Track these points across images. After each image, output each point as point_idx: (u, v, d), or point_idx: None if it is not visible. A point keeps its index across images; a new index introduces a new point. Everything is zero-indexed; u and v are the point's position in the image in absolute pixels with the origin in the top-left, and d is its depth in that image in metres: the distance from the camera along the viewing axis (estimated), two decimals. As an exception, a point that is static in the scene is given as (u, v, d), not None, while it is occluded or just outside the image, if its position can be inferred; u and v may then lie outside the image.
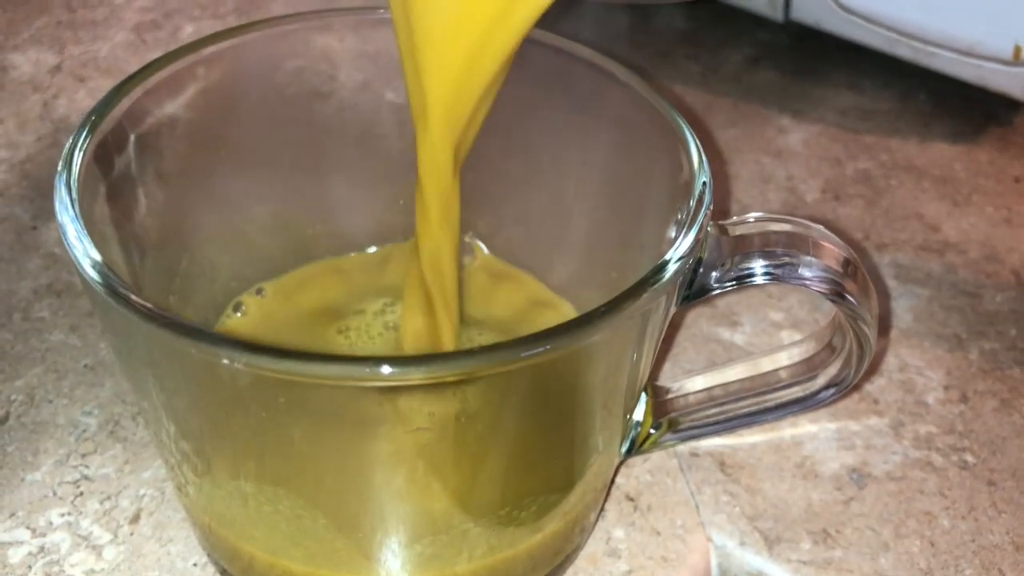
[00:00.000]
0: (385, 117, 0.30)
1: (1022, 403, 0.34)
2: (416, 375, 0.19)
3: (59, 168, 0.22)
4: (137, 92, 0.25)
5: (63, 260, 0.37)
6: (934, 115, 0.47)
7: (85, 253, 0.20)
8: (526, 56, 0.24)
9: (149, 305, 0.19)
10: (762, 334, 0.36)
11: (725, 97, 0.47)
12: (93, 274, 0.20)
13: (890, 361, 0.35)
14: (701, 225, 0.23)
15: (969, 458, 0.32)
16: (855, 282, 0.24)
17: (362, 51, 0.29)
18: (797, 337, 0.35)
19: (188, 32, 0.49)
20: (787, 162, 0.44)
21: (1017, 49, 0.40)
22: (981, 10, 0.41)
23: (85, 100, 0.44)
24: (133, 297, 0.19)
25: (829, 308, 0.37)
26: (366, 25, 0.29)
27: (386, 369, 0.19)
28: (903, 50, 0.43)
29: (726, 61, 0.50)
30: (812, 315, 0.37)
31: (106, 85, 0.45)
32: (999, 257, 0.40)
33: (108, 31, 0.49)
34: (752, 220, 0.24)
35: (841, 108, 0.47)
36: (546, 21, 0.24)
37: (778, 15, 0.46)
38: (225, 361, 0.18)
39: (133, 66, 0.41)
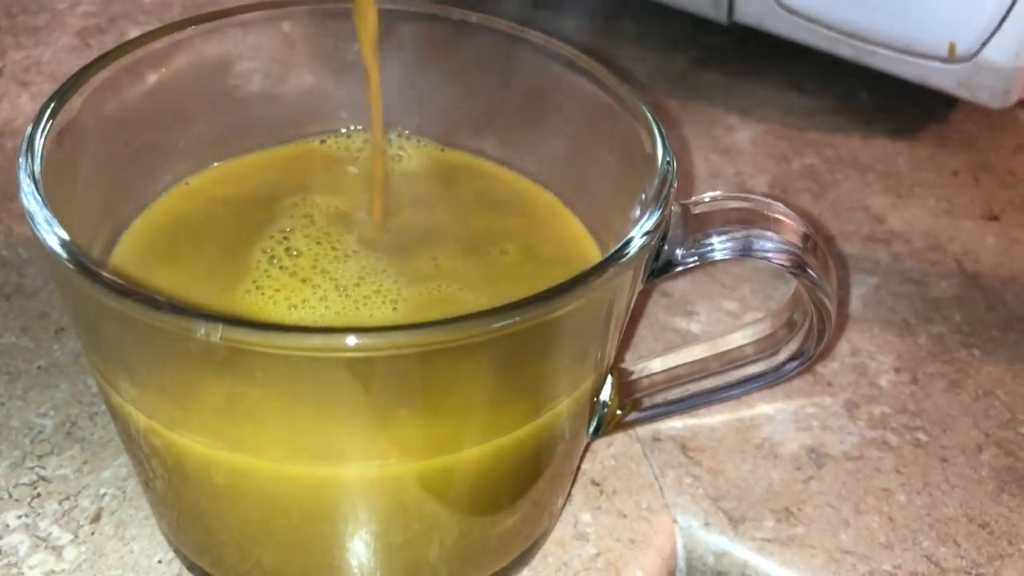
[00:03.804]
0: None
1: (969, 383, 0.35)
2: (380, 345, 0.19)
3: (21, 155, 0.22)
4: (95, 81, 0.25)
5: (12, 263, 0.36)
6: (875, 112, 0.48)
7: (52, 233, 0.20)
8: (492, 47, 0.25)
9: (120, 281, 0.19)
10: (717, 323, 0.37)
11: (672, 98, 0.48)
12: (62, 253, 0.20)
13: (843, 346, 0.36)
14: (666, 202, 0.23)
15: (922, 436, 0.33)
16: (815, 256, 0.24)
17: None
18: (752, 325, 0.36)
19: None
20: (735, 159, 0.45)
21: (951, 46, 0.42)
22: (917, 9, 0.42)
23: (28, 105, 0.43)
24: (104, 274, 0.19)
25: (780, 296, 0.38)
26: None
27: (351, 340, 0.19)
28: (844, 49, 0.45)
29: (672, 63, 0.51)
30: (765, 303, 0.37)
31: (50, 89, 0.44)
32: (942, 246, 0.41)
33: (50, 36, 0.48)
34: (714, 199, 0.25)
35: (786, 107, 0.48)
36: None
37: (722, 16, 0.47)
38: (200, 333, 0.18)
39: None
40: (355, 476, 0.23)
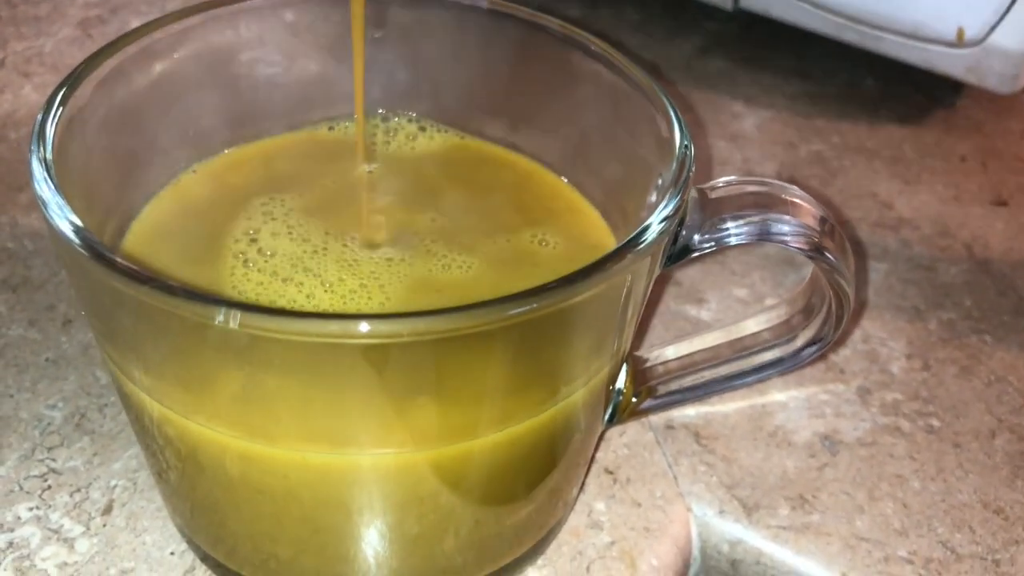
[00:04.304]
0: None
1: (980, 368, 0.35)
2: (399, 331, 0.19)
3: (33, 142, 0.22)
4: (104, 68, 0.25)
5: (18, 254, 0.36)
6: (881, 99, 0.48)
7: (65, 219, 0.20)
8: (508, 33, 0.25)
9: (136, 267, 0.19)
10: (727, 310, 0.36)
11: (678, 86, 0.48)
12: (76, 240, 0.19)
13: (854, 333, 0.36)
14: (685, 188, 0.23)
15: (935, 422, 0.33)
16: (832, 239, 0.24)
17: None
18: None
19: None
20: (742, 146, 0.44)
21: (960, 31, 0.42)
22: (925, -7, 0.42)
23: (32, 95, 0.43)
24: (119, 260, 0.19)
25: (791, 283, 0.38)
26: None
27: (370, 326, 0.19)
28: (850, 35, 0.44)
29: (677, 51, 0.50)
30: (775, 290, 0.37)
31: (53, 80, 0.44)
32: (951, 232, 0.41)
33: (52, 27, 0.47)
34: (730, 183, 0.25)
35: (791, 94, 0.48)
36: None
37: (727, 3, 0.47)
38: (219, 320, 0.18)
39: (80, 61, 0.40)
40: (371, 464, 0.23)
